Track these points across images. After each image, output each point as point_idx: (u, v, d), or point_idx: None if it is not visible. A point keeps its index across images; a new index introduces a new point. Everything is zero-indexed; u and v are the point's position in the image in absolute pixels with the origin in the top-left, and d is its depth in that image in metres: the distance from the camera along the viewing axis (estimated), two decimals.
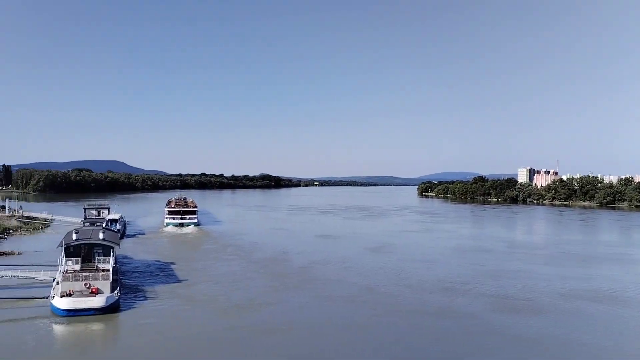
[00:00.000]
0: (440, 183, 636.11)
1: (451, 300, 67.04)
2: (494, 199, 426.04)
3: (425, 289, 73.28)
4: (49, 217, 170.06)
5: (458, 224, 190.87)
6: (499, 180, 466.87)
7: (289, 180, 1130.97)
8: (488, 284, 77.93)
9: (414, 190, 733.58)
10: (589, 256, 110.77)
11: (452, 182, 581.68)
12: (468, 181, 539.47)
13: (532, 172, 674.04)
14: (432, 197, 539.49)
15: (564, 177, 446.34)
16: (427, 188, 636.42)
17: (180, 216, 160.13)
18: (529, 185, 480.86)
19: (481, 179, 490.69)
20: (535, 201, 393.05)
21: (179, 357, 45.59)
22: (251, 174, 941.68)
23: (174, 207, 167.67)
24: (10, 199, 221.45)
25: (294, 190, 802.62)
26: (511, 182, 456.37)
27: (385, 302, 65.70)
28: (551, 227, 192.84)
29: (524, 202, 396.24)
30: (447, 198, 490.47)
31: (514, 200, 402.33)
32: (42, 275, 67.90)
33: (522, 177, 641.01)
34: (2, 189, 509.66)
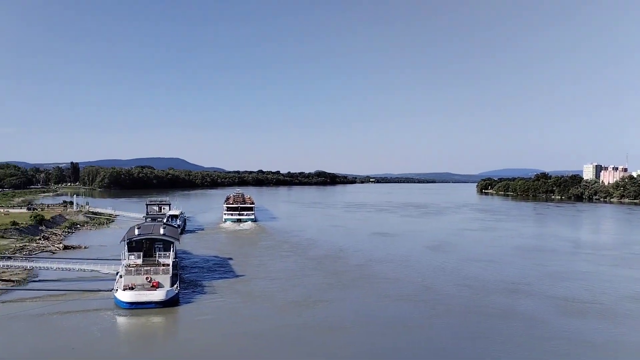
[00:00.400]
0: (500, 180, 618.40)
1: (514, 301, 64.42)
2: (557, 197, 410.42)
3: (487, 290, 70.71)
4: (113, 212, 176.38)
5: (520, 223, 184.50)
6: (562, 177, 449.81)
7: (345, 177, 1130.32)
8: (553, 285, 74.47)
9: (473, 188, 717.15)
10: None
11: (513, 179, 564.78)
12: (530, 178, 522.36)
13: (598, 169, 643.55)
14: (492, 194, 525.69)
15: (634, 174, 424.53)
16: (486, 185, 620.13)
17: (238, 212, 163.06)
18: (595, 182, 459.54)
19: (544, 176, 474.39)
20: (602, 199, 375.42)
21: (238, 353, 45.69)
22: (307, 171, 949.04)
23: (232, 204, 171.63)
24: (77, 195, 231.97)
25: (349, 187, 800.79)
26: (576, 179, 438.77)
27: (445, 302, 63.79)
28: (620, 227, 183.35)
29: (590, 199, 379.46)
30: (507, 195, 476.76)
31: (579, 198, 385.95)
32: (106, 269, 70.59)
33: (587, 174, 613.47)
34: (70, 185, 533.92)
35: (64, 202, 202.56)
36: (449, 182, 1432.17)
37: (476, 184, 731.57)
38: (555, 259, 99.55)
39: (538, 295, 67.74)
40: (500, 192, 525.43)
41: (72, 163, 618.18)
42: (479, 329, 52.95)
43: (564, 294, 69.09)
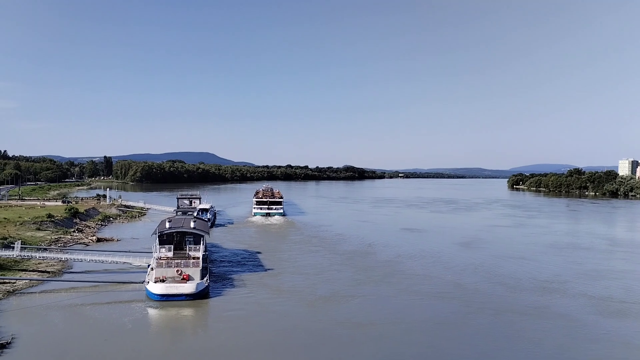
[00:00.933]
0: (532, 175, 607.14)
1: (550, 300, 62.72)
2: (591, 193, 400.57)
3: (521, 288, 69.04)
4: (145, 206, 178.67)
5: (553, 219, 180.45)
6: (596, 172, 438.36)
7: (373, 172, 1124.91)
8: (589, 284, 72.37)
9: (503, 183, 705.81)
10: None
11: (545, 175, 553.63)
12: (562, 174, 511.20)
13: (634, 164, 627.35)
14: (523, 190, 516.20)
15: None
16: (517, 180, 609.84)
17: (267, 206, 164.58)
18: (632, 178, 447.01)
19: (577, 172, 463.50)
20: (638, 195, 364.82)
21: (267, 348, 45.49)
22: (335, 166, 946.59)
23: (261, 198, 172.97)
24: (110, 188, 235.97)
25: (377, 182, 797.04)
26: (611, 174, 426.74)
27: (478, 300, 62.51)
28: None
29: (626, 196, 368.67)
30: (539, 191, 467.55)
31: (614, 195, 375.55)
32: (138, 262, 71.96)
33: (623, 170, 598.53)
34: (103, 179, 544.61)
35: (98, 195, 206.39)
36: (480, 178, 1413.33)
37: (507, 179, 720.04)
38: (590, 257, 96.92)
39: (575, 295, 65.89)
40: (531, 188, 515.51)
41: (105, 157, 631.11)
42: (514, 329, 51.61)
43: (601, 293, 67.01)
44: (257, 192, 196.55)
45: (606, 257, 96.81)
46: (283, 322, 52.33)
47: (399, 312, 57.22)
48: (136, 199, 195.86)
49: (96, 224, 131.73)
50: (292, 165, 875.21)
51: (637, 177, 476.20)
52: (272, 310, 56.74)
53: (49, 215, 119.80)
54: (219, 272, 74.96)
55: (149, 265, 68.31)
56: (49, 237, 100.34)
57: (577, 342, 48.04)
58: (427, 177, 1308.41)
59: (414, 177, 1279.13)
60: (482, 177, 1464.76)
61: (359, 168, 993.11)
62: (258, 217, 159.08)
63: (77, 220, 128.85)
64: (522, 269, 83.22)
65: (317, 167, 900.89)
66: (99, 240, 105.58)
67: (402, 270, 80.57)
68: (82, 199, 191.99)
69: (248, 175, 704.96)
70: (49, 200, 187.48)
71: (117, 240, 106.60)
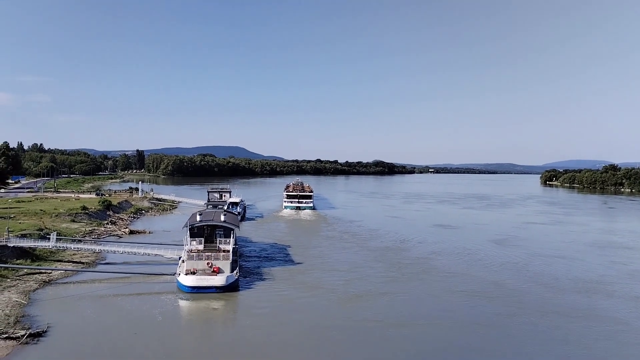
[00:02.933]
0: (565, 171, 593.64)
1: (594, 302, 60.05)
2: (627, 190, 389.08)
3: (562, 289, 66.20)
4: (176, 199, 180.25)
5: (590, 217, 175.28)
6: (633, 169, 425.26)
7: (403, 167, 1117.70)
8: (635, 285, 69.10)
9: (536, 179, 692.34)
10: None
11: (579, 171, 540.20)
12: (597, 170, 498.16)
13: None
14: (556, 186, 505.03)
15: None
16: (551, 177, 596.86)
17: (297, 200, 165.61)
18: None
19: (612, 168, 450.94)
20: None
21: (298, 344, 44.58)
22: (365, 161, 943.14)
23: (291, 192, 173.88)
24: (142, 181, 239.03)
25: (407, 177, 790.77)
26: None
27: (518, 300, 60.12)
28: None
29: None
30: (573, 188, 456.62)
31: None
32: (169, 254, 72.23)
33: None
34: (135, 172, 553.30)
35: (130, 188, 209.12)
36: (511, 173, 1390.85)
37: (539, 175, 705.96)
38: (634, 257, 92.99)
39: (622, 297, 62.89)
40: (565, 184, 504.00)
41: (137, 150, 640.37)
42: (560, 331, 49.32)
43: None
44: (287, 186, 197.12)
45: None
46: (313, 319, 51.13)
47: (435, 311, 55.37)
48: (167, 192, 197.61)
49: (129, 217, 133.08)
50: (322, 159, 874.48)
51: None
52: (302, 306, 55.71)
53: (83, 208, 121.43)
54: (249, 266, 74.42)
55: (180, 258, 68.52)
56: (83, 229, 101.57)
57: (627, 347, 45.60)
58: (458, 173, 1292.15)
59: (444, 173, 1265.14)
60: (514, 173, 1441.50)
61: (388, 163, 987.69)
62: (288, 211, 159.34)
63: (110, 213, 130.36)
64: (563, 268, 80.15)
65: (347, 161, 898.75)
66: (131, 232, 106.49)
67: (437, 267, 78.59)
68: (115, 192, 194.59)
69: (277, 169, 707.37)
70: (83, 192, 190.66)
71: (149, 232, 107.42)
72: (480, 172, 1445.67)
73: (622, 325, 51.62)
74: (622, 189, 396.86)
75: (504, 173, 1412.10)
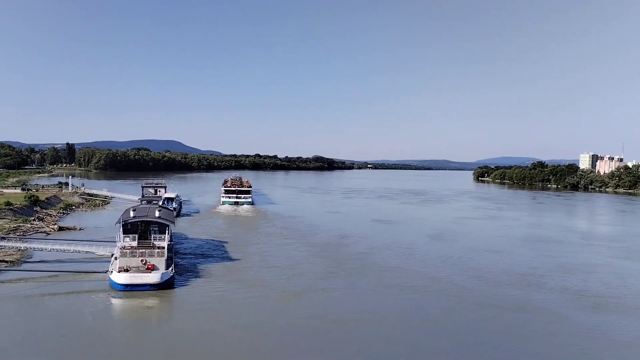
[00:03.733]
0: (497, 168, 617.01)
1: (529, 294, 61.82)
2: (553, 186, 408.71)
3: (498, 282, 67.92)
4: (109, 194, 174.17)
5: (521, 212, 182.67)
6: (559, 166, 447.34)
7: (342, 162, 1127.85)
8: (566, 277, 71.86)
9: (469, 175, 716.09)
10: None
11: (510, 167, 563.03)
12: (526, 166, 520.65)
13: (594, 158, 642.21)
14: (488, 182, 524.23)
15: (630, 164, 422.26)
16: (483, 173, 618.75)
17: (235, 195, 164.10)
18: (591, 171, 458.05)
19: (540, 165, 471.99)
20: (597, 189, 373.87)
21: (236, 342, 43.38)
22: (304, 156, 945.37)
23: (229, 187, 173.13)
24: (73, 176, 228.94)
25: (346, 172, 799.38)
26: (572, 168, 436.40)
27: (456, 294, 61.09)
28: (623, 218, 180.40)
29: (586, 189, 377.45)
30: (503, 183, 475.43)
31: (575, 187, 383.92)
32: (101, 251, 69.85)
33: (583, 163, 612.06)
34: (65, 166, 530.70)
35: (59, 183, 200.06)
36: (446, 170, 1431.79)
37: (472, 171, 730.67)
38: (563, 250, 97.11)
39: (552, 288, 65.15)
40: (496, 180, 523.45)
41: (67, 144, 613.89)
42: (497, 324, 50.41)
43: (579, 287, 66.51)
44: (225, 181, 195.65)
45: (579, 251, 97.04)
46: (252, 317, 49.80)
47: (376, 306, 55.29)
48: (100, 187, 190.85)
49: (58, 213, 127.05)
50: (261, 154, 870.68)
51: (596, 171, 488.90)
52: (241, 304, 54.28)
53: (7, 203, 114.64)
54: (185, 263, 72.25)
55: (112, 255, 66.10)
56: (7, 226, 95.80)
57: (562, 337, 47.04)
58: (395, 169, 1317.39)
59: (382, 169, 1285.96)
60: (449, 169, 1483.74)
61: (328, 159, 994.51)
62: (226, 206, 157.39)
63: (38, 209, 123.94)
64: (498, 262, 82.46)
65: (287, 156, 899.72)
66: (60, 229, 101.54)
67: (377, 262, 78.92)
68: (42, 187, 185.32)
69: (215, 164, 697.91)
70: (7, 187, 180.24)
71: (80, 229, 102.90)
72: (416, 168, 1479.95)
73: (555, 316, 53.26)
74: (549, 185, 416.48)
75: (438, 169, 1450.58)
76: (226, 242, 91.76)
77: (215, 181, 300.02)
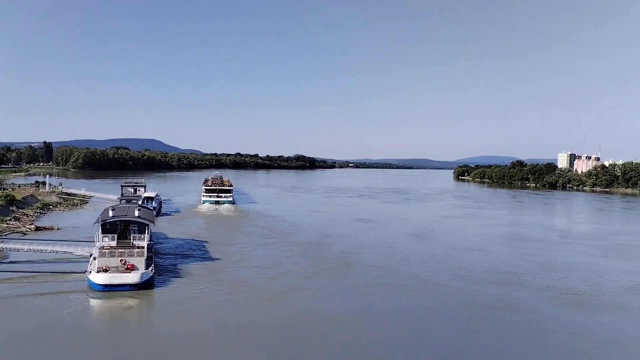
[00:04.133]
0: (477, 167, 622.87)
1: (511, 293, 62.12)
2: (532, 184, 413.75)
3: (480, 280, 68.14)
4: (87, 193, 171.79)
5: (502, 210, 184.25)
6: (537, 165, 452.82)
7: (324, 161, 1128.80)
8: (547, 276, 72.37)
9: (449, 174, 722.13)
10: None
11: (489, 166, 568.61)
12: (505, 165, 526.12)
13: (572, 158, 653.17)
14: (468, 181, 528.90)
15: (606, 163, 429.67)
16: (463, 172, 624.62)
17: (216, 194, 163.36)
18: (569, 170, 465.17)
19: (519, 164, 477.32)
20: (575, 187, 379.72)
21: (217, 343, 42.96)
22: (285, 155, 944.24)
23: (210, 186, 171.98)
24: (50, 175, 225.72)
25: (328, 171, 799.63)
26: (550, 167, 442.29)
27: (439, 293, 61.13)
28: (601, 216, 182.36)
29: (564, 188, 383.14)
30: (483, 182, 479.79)
31: (553, 186, 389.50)
32: (79, 251, 68.84)
33: (562, 163, 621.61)
34: (43, 165, 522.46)
35: (36, 182, 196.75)
36: (427, 169, 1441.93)
37: (453, 170, 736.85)
38: (543, 248, 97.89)
39: (533, 287, 65.56)
40: (476, 179, 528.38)
41: (45, 142, 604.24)
42: (480, 322, 50.44)
43: (559, 285, 67.03)
44: (206, 180, 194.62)
45: (558, 249, 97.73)
46: (233, 318, 49.29)
47: (359, 306, 55.01)
48: (78, 187, 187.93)
49: (35, 212, 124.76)
50: (242, 153, 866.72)
51: (574, 170, 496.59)
52: (222, 304, 53.74)
53: None
54: (165, 263, 71.37)
55: (91, 255, 65.04)
56: None
57: (543, 335, 47.25)
58: (376, 168, 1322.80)
59: (363, 167, 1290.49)
60: (429, 168, 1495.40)
61: (309, 157, 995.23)
62: (207, 205, 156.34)
63: (14, 208, 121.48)
64: (481, 260, 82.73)
65: (268, 155, 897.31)
66: (37, 228, 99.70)
67: (359, 261, 78.76)
68: (19, 186, 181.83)
69: (195, 163, 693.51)
70: None
71: (58, 229, 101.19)
72: (397, 167, 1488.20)
73: (536, 314, 53.58)
74: (528, 184, 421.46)
75: (420, 168, 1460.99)
76: (207, 242, 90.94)
77: (195, 180, 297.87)
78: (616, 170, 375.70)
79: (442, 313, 53.30)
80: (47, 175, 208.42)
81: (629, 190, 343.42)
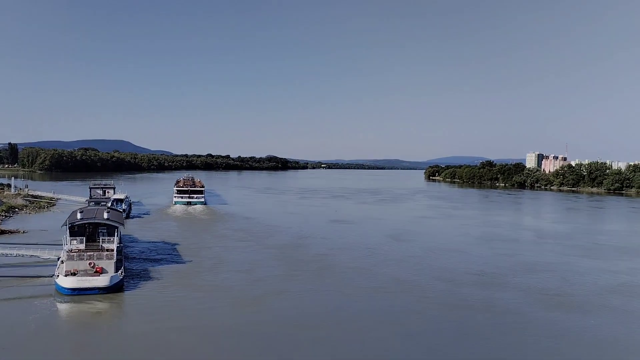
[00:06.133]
0: (447, 167, 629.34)
1: (492, 294, 61.79)
2: (501, 184, 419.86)
3: (460, 282, 67.60)
4: (55, 196, 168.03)
5: (475, 210, 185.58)
6: (506, 165, 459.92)
7: (296, 162, 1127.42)
8: (526, 276, 72.35)
9: (420, 174, 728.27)
10: (628, 248, 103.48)
11: (460, 167, 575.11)
12: (475, 166, 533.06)
13: (540, 157, 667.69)
14: (439, 181, 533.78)
15: (573, 163, 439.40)
16: (434, 172, 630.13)
17: (188, 195, 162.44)
18: (537, 170, 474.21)
19: (489, 164, 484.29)
20: (543, 187, 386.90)
21: (187, 346, 41.67)
22: (258, 156, 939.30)
23: (182, 187, 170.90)
24: (16, 177, 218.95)
25: (300, 172, 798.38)
26: (519, 167, 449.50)
27: (417, 294, 60.43)
28: (570, 215, 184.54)
29: (532, 187, 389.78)
30: (454, 182, 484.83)
31: (522, 186, 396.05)
32: (46, 254, 67.03)
33: (530, 162, 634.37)
34: (7, 167, 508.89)
35: (1, 184, 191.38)
36: (398, 169, 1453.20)
37: (424, 170, 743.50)
38: (521, 248, 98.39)
39: (514, 287, 65.39)
40: (447, 179, 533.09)
41: (9, 144, 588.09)
42: (463, 324, 49.77)
43: (539, 285, 66.98)
44: (177, 181, 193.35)
45: (536, 250, 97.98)
46: (207, 323, 47.66)
47: (338, 309, 53.88)
48: (45, 189, 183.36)
49: None
50: (213, 154, 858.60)
51: (542, 170, 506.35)
52: (195, 309, 51.97)
53: None
54: (135, 267, 69.32)
55: (58, 258, 63.24)
56: None
57: (526, 336, 46.97)
58: (349, 168, 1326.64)
59: (336, 168, 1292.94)
60: (401, 168, 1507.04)
61: (282, 158, 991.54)
62: (178, 206, 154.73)
63: None
64: (459, 261, 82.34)
65: (239, 156, 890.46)
66: (2, 232, 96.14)
67: (336, 264, 77.60)
68: None
69: (166, 164, 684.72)
70: None
71: (24, 232, 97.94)
72: (369, 167, 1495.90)
73: (517, 316, 53.26)
74: (497, 184, 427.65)
75: (391, 168, 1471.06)
76: (178, 245, 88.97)
77: (166, 182, 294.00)
78: (582, 170, 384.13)
79: (425, 315, 52.57)
80: (13, 177, 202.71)
81: (594, 190, 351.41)
